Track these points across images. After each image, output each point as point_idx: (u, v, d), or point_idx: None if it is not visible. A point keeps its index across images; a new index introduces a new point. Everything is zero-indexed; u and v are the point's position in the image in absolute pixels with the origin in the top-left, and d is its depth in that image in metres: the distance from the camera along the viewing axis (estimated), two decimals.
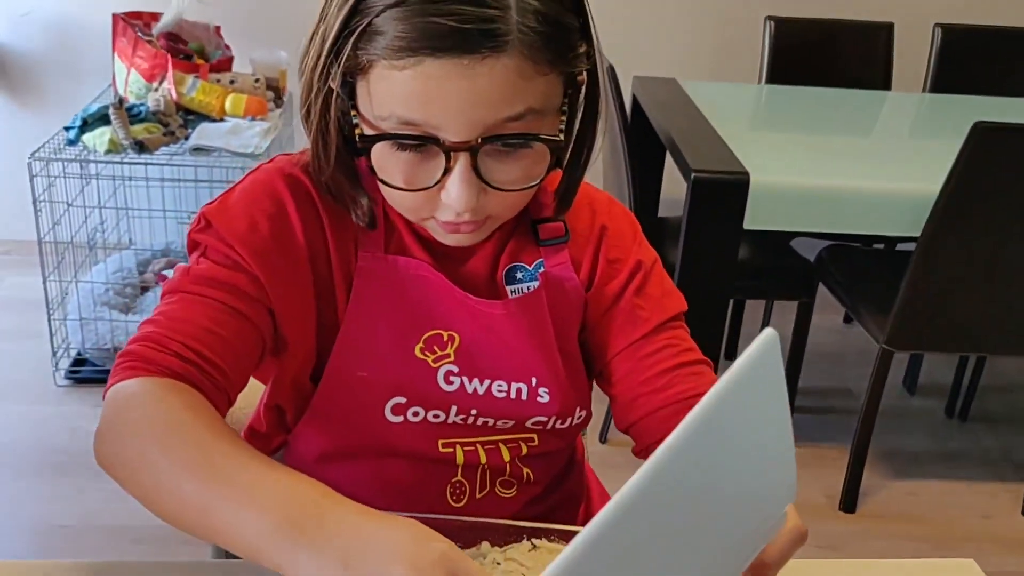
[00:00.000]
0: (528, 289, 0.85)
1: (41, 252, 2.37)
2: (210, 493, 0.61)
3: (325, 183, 0.79)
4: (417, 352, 0.83)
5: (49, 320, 2.44)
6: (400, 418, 0.83)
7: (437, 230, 0.78)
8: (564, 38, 0.72)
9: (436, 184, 0.72)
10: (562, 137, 0.74)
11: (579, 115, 0.80)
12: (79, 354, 2.51)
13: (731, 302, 2.46)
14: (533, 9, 0.68)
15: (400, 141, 0.71)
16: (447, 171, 0.71)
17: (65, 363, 2.49)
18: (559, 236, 0.86)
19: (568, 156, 0.82)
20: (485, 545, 0.75)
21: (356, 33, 0.69)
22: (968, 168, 1.82)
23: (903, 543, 2.08)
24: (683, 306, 0.88)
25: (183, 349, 0.72)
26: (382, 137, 0.72)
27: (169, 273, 2.69)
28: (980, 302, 2.00)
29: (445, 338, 0.83)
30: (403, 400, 0.83)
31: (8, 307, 2.83)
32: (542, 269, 0.86)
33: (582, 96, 0.79)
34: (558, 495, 0.94)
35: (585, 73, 0.77)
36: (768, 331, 0.50)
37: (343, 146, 0.77)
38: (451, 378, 0.83)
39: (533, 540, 0.76)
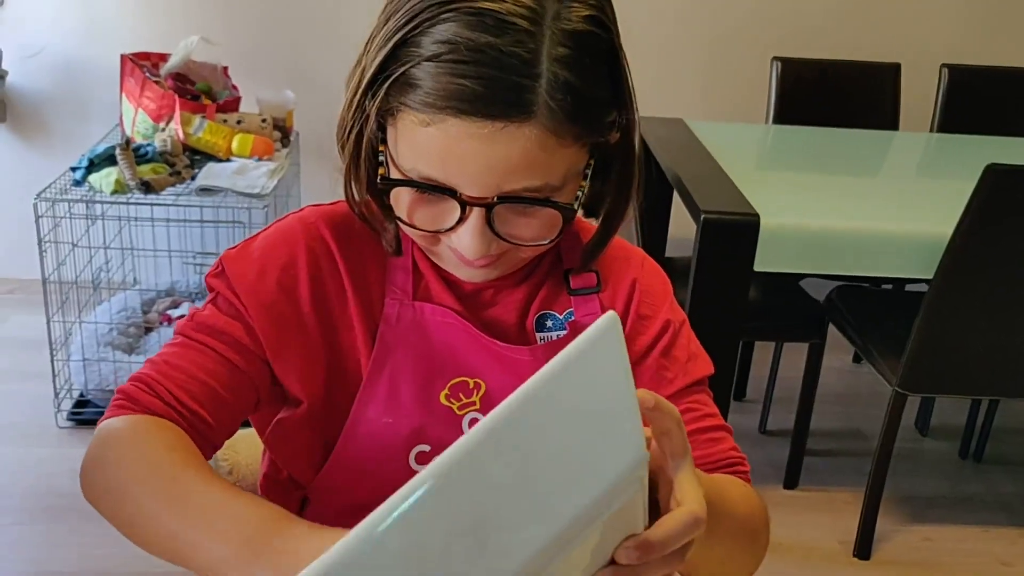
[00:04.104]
0: (557, 337, 0.84)
1: (45, 292, 2.35)
2: (178, 521, 0.65)
3: (358, 210, 0.80)
4: (442, 399, 0.82)
5: (52, 360, 2.42)
6: (424, 467, 0.81)
7: (452, 261, 0.78)
8: (593, 112, 0.70)
9: (450, 229, 0.73)
10: (577, 206, 0.74)
11: (613, 174, 0.79)
12: (82, 395, 2.49)
13: (740, 344, 2.44)
14: (564, 81, 0.67)
15: (418, 188, 0.72)
16: (461, 220, 0.72)
17: (67, 404, 2.47)
18: (591, 286, 0.86)
19: (603, 213, 0.82)
20: None
21: (391, 79, 0.69)
22: (981, 211, 1.80)
23: None
24: (709, 369, 0.86)
25: (168, 396, 0.76)
26: (400, 183, 0.73)
27: (173, 313, 2.67)
28: (994, 345, 1.97)
29: (471, 385, 0.83)
30: (427, 448, 0.82)
31: (11, 347, 2.81)
32: (572, 318, 0.85)
33: (615, 151, 0.77)
34: None
35: (619, 135, 0.76)
36: (609, 313, 0.52)
37: (372, 179, 0.77)
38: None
39: None
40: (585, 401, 0.50)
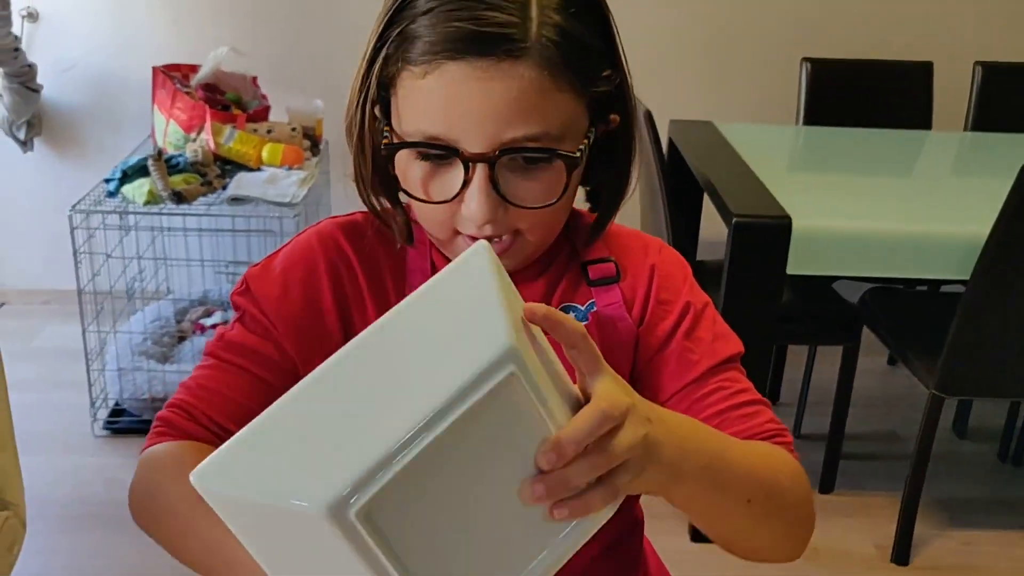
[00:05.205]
0: None
1: (81, 303, 2.38)
2: (218, 533, 0.67)
3: (367, 200, 0.82)
4: None
5: (88, 370, 2.45)
6: None
7: None
8: (586, 58, 0.72)
9: (456, 196, 0.74)
10: (579, 155, 0.74)
11: (614, 155, 0.81)
12: (117, 404, 2.52)
13: (774, 347, 2.42)
14: (555, 23, 0.70)
15: (421, 151, 0.73)
16: (466, 183, 0.73)
17: (103, 413, 2.50)
18: (610, 276, 0.86)
19: (603, 195, 0.84)
20: None
21: (388, 43, 0.72)
22: (1018, 210, 1.77)
23: None
24: (737, 348, 0.85)
25: (206, 420, 0.79)
26: (403, 145, 0.74)
27: (206, 322, 2.70)
28: None
29: None
30: None
31: (48, 357, 2.84)
32: (594, 309, 0.85)
33: (615, 135, 0.80)
34: (617, 561, 0.91)
35: (619, 115, 0.78)
36: (481, 242, 0.61)
37: (379, 159, 0.78)
38: None
39: None
40: (450, 309, 0.57)
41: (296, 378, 0.81)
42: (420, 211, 0.79)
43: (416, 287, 0.83)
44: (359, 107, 0.76)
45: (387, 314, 0.58)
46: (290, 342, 0.82)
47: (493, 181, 0.72)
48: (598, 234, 0.86)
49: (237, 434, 0.55)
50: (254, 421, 0.55)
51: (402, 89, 0.72)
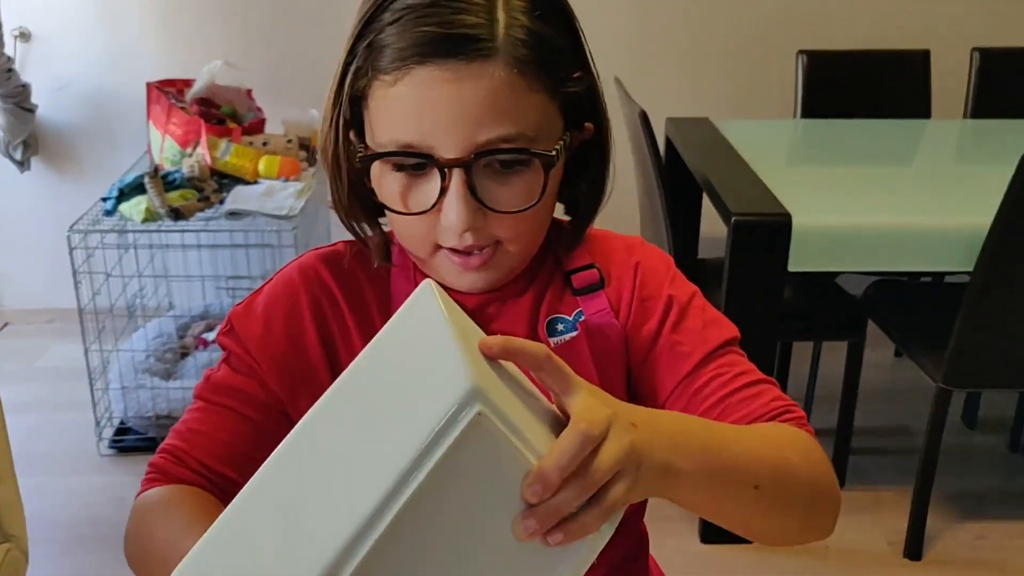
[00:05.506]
0: (570, 338, 0.83)
1: (82, 322, 2.38)
2: None
3: (344, 219, 0.81)
4: None
5: (91, 389, 2.44)
6: None
7: (450, 269, 0.78)
8: (555, 58, 0.73)
9: (434, 206, 0.73)
10: (555, 153, 0.74)
11: (590, 163, 0.81)
12: (122, 423, 2.51)
13: (778, 345, 2.40)
14: (522, 24, 0.70)
15: (396, 160, 0.73)
16: (443, 191, 0.72)
17: (108, 432, 2.49)
18: (594, 283, 0.85)
19: (581, 204, 0.84)
20: None
21: (357, 57, 0.72)
22: (1020, 200, 1.76)
23: None
24: (732, 332, 0.83)
25: (196, 464, 0.79)
26: (378, 156, 0.73)
27: (208, 336, 2.69)
28: None
29: None
30: None
31: (52, 376, 2.84)
32: (582, 318, 0.84)
33: (589, 144, 0.80)
34: None
35: (592, 123, 0.79)
36: (426, 281, 0.63)
37: (356, 179, 0.79)
38: None
39: None
40: (405, 358, 0.57)
41: (283, 415, 0.82)
42: (400, 227, 0.78)
43: None
44: (332, 125, 0.76)
45: (342, 376, 0.57)
46: (275, 379, 0.81)
47: (471, 187, 0.71)
48: (576, 242, 0.85)
49: (206, 532, 0.55)
50: (221, 515, 0.55)
51: (373, 100, 0.72)
